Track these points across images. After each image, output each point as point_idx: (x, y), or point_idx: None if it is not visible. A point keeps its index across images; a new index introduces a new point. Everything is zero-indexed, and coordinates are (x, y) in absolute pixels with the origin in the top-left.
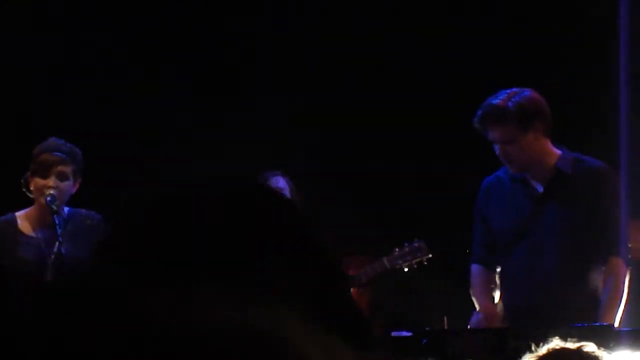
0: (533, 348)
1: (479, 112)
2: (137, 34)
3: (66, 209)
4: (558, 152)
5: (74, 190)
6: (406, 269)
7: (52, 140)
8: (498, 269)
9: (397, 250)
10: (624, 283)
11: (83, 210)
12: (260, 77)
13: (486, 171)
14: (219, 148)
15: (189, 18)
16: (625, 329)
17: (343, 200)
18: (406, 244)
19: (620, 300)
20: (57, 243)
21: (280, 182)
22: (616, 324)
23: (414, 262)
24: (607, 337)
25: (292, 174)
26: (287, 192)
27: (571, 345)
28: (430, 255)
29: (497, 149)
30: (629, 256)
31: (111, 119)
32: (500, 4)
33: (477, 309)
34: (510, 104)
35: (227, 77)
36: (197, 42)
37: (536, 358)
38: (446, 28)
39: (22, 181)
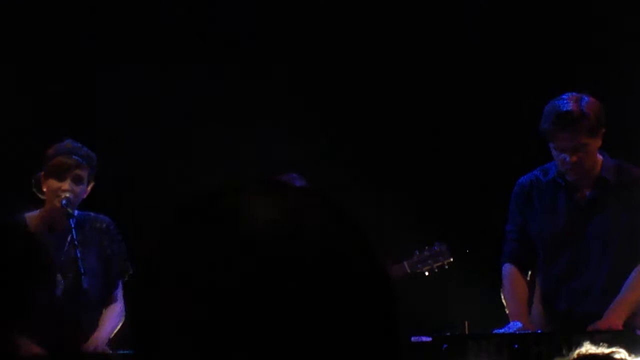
0: (564, 352)
1: (552, 119)
2: (150, 27)
3: (75, 212)
4: (600, 157)
5: (85, 195)
6: (427, 273)
7: (69, 143)
8: (529, 272)
9: (417, 253)
10: None
11: (91, 213)
12: (274, 74)
13: (505, 173)
14: (235, 149)
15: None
16: None
17: (361, 203)
18: (427, 248)
19: (635, 306)
20: (66, 246)
21: (297, 184)
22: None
23: (435, 266)
24: (631, 343)
25: (309, 176)
26: None
27: (602, 350)
28: (452, 259)
29: (563, 155)
30: None
31: (113, 118)
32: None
33: (509, 314)
34: (584, 110)
35: (241, 75)
36: (213, 39)
37: None
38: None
39: (33, 181)
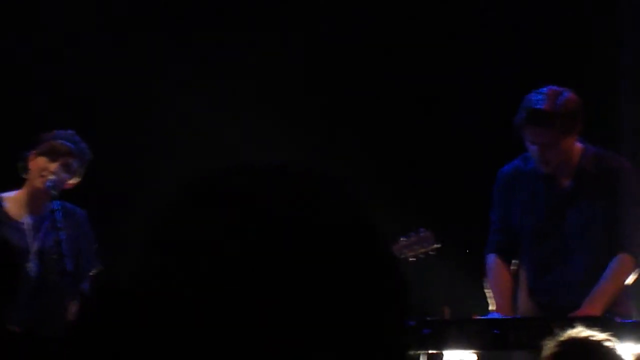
0: (545, 337)
1: (524, 115)
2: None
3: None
4: (580, 146)
5: (66, 187)
6: (412, 259)
7: (70, 133)
8: (514, 261)
9: (403, 239)
10: (624, 282)
11: (68, 204)
12: (256, 67)
13: (489, 160)
14: (214, 141)
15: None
16: (627, 320)
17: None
18: (413, 234)
19: (614, 296)
20: (43, 229)
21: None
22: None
23: (420, 252)
24: (609, 329)
25: (295, 162)
26: None
27: (597, 338)
28: (437, 245)
29: (535, 149)
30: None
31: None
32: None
33: (493, 306)
34: (557, 108)
35: (226, 68)
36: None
37: (557, 343)
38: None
39: (21, 158)
